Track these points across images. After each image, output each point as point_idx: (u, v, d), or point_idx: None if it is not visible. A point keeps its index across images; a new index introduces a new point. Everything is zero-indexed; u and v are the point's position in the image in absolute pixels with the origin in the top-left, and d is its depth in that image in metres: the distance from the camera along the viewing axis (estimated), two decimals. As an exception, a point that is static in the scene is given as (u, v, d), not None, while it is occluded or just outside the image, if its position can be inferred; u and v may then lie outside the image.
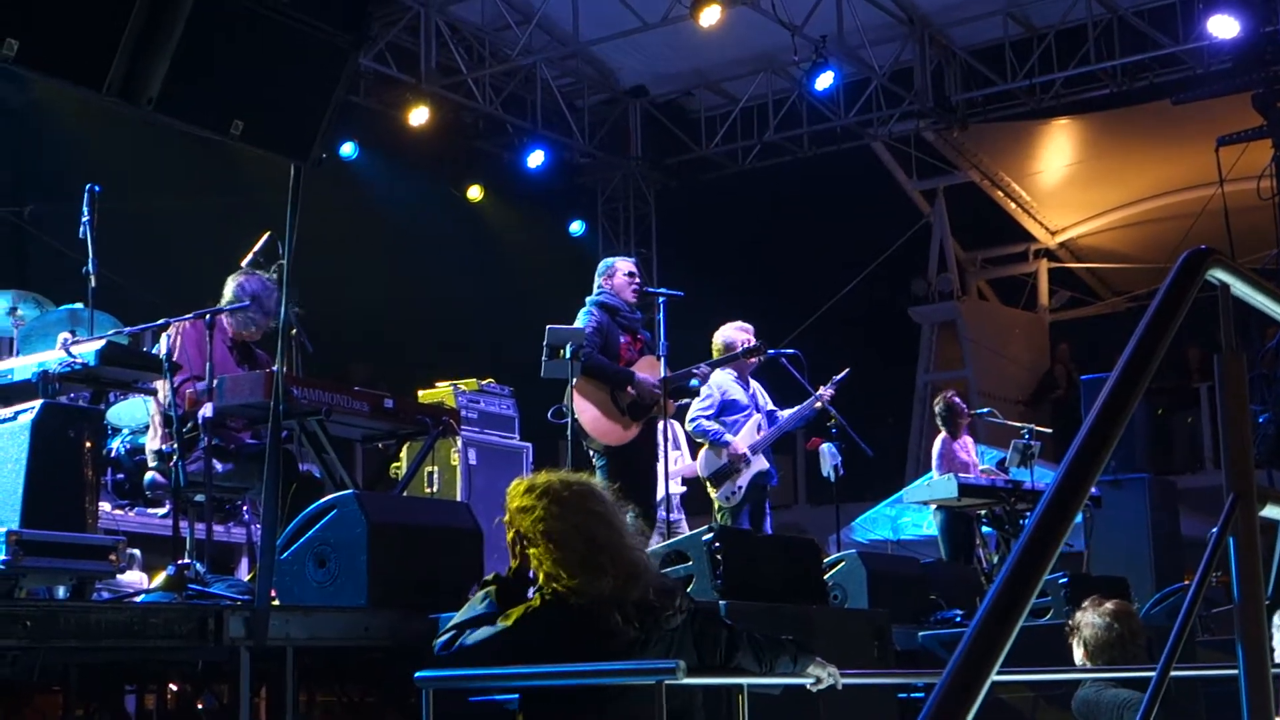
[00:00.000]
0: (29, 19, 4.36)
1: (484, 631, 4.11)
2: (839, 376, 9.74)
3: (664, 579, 4.34)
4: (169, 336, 7.44)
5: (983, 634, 1.72)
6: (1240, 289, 2.41)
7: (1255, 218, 12.92)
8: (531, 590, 4.29)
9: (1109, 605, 6.04)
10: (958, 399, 12.16)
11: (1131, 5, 15.64)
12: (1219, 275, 2.34)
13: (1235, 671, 2.20)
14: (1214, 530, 2.24)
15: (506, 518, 4.28)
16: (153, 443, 7.43)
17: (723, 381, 9.71)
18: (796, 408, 9.77)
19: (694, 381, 9.40)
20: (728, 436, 9.58)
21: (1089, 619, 5.99)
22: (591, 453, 8.90)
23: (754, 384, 9.92)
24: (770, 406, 9.87)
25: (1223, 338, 2.31)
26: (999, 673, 1.76)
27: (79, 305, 8.28)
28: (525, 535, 4.18)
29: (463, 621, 4.21)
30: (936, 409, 12.07)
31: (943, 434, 11.86)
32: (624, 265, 9.26)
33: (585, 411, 8.78)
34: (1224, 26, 14.05)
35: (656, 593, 4.15)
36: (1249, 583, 2.20)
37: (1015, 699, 7.20)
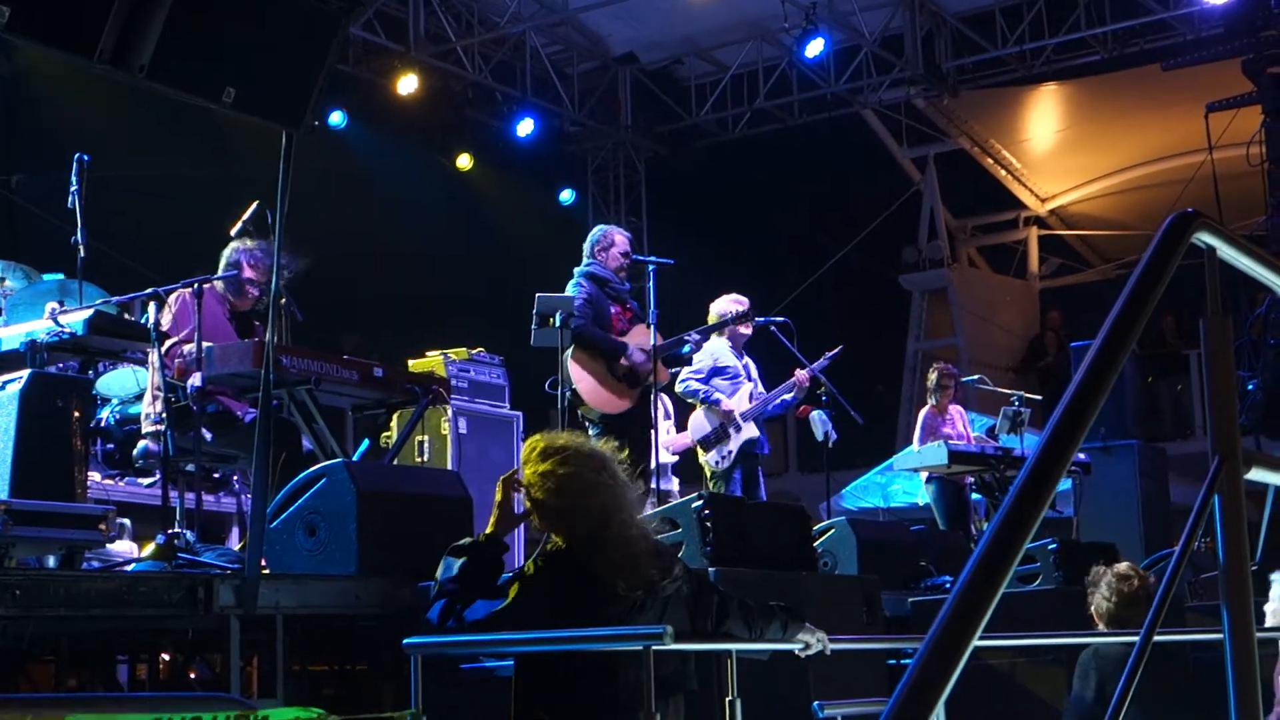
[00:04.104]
0: (20, -13, 4.34)
1: (481, 608, 4.12)
2: (831, 353, 9.73)
3: (662, 548, 4.36)
4: (161, 305, 7.39)
5: (965, 598, 1.72)
6: (1227, 252, 2.40)
7: (1245, 184, 12.94)
8: (517, 556, 4.31)
9: (1121, 567, 6.09)
10: (953, 369, 12.20)
11: (1121, -29, 15.61)
12: (1205, 238, 2.34)
13: (1221, 635, 2.20)
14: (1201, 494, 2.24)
15: (511, 473, 4.30)
16: (149, 407, 7.42)
17: (717, 348, 9.73)
18: (782, 385, 9.75)
19: (685, 349, 9.40)
20: (717, 395, 9.60)
21: (1100, 580, 6.04)
22: (586, 421, 8.91)
23: (747, 359, 9.93)
24: (758, 385, 9.88)
25: (1209, 301, 2.31)
26: (984, 638, 1.76)
27: (61, 274, 8.26)
28: (533, 497, 4.19)
29: (451, 591, 4.20)
30: (930, 381, 12.05)
31: (928, 406, 11.89)
32: (620, 242, 9.19)
33: (583, 381, 8.79)
34: (1214, -8, 14.02)
35: (654, 563, 4.18)
36: (1234, 546, 2.20)
37: (1002, 664, 7.23)
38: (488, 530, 4.29)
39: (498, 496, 4.30)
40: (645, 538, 4.27)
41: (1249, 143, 12.70)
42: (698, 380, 9.68)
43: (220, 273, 7.73)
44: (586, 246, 9.20)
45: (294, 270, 7.62)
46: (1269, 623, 6.01)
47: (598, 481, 4.18)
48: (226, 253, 7.80)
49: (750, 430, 9.63)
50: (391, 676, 6.39)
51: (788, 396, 9.81)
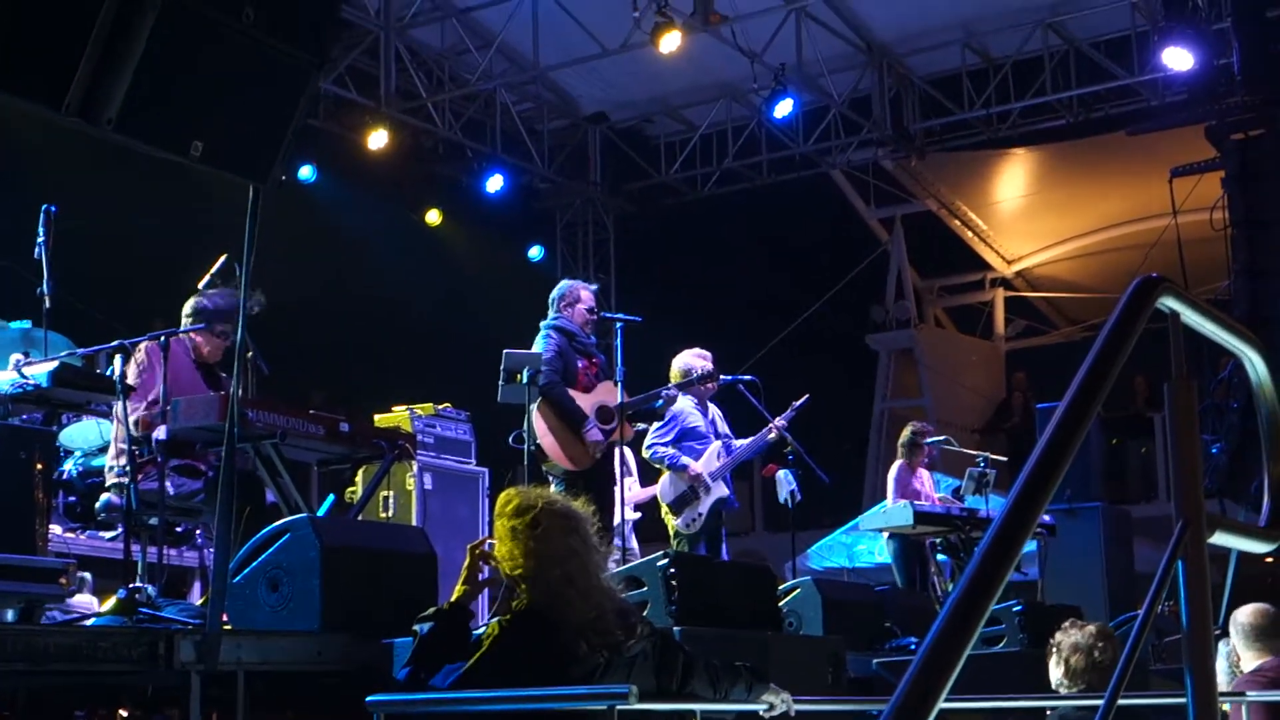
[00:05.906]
0: (-13, 37, 4.33)
1: (448, 672, 4.12)
2: (798, 403, 9.71)
3: (627, 607, 4.36)
4: (127, 358, 7.35)
5: (931, 659, 1.72)
6: (1190, 317, 2.42)
7: (1208, 249, 13.03)
8: (483, 620, 4.31)
9: (1092, 628, 5.99)
10: (930, 429, 12.24)
11: (1087, 37, 15.81)
12: (1169, 303, 2.36)
13: (1184, 700, 2.20)
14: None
15: (480, 542, 4.30)
16: (113, 460, 7.34)
17: (683, 408, 9.68)
18: (752, 438, 9.75)
19: (658, 403, 9.40)
20: (684, 460, 9.53)
21: (1071, 640, 5.94)
22: (550, 477, 8.88)
23: (713, 409, 9.89)
24: (728, 434, 9.85)
25: (1172, 365, 2.32)
26: (950, 700, 1.76)
27: (28, 323, 8.21)
28: (504, 552, 4.19)
29: (420, 658, 4.20)
30: (905, 437, 12.04)
31: (899, 461, 11.88)
32: (586, 298, 9.18)
33: (546, 436, 8.77)
34: (1178, 59, 14.18)
35: (620, 623, 4.17)
36: (1197, 609, 2.21)
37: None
38: (453, 598, 4.29)
39: (465, 563, 4.30)
40: (611, 597, 4.27)
41: (1212, 207, 12.79)
42: (663, 445, 9.62)
43: (185, 322, 7.65)
44: (552, 301, 9.19)
45: (259, 307, 7.56)
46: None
47: (569, 542, 4.18)
48: (189, 305, 7.70)
49: (720, 490, 9.59)
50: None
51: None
